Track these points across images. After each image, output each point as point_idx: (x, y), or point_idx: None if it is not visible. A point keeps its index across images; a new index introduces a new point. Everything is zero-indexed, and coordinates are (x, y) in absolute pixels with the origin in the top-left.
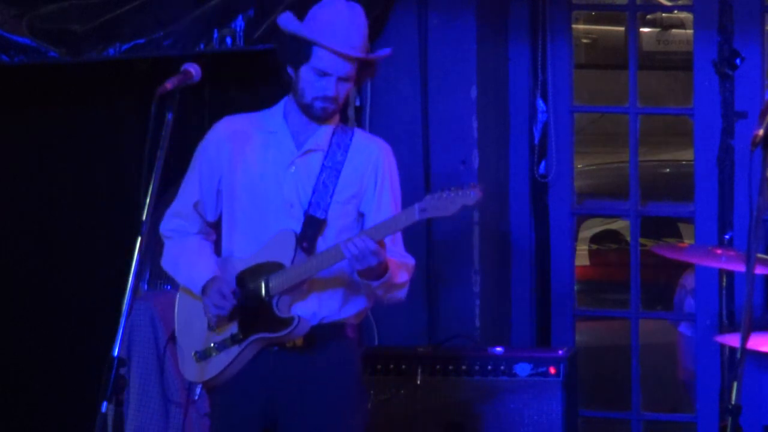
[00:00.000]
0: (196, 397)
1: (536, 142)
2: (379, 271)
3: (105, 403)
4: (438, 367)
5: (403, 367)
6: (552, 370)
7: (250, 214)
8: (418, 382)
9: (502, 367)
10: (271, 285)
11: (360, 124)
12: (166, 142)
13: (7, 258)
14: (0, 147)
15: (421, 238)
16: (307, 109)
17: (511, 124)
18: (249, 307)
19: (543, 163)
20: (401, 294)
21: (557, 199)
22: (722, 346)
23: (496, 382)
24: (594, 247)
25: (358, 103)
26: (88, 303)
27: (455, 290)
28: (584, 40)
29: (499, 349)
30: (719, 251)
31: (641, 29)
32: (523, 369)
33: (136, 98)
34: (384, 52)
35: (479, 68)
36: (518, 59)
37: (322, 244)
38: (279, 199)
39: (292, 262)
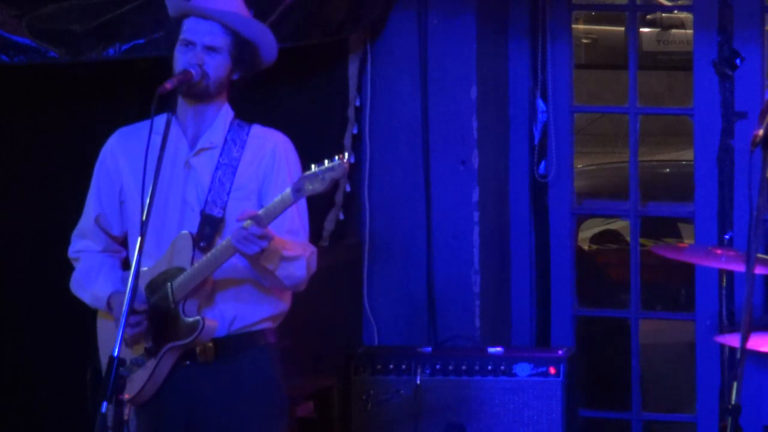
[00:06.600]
0: (125, 417)
1: (536, 142)
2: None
3: (105, 403)
4: (438, 367)
5: (403, 367)
6: (552, 370)
7: (151, 221)
8: (418, 382)
9: (502, 367)
10: (175, 290)
11: (360, 124)
12: (166, 142)
13: (7, 258)
14: (0, 147)
15: (421, 238)
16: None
17: (511, 124)
18: (159, 317)
19: (543, 163)
20: (299, 272)
21: (557, 199)
22: (722, 346)
23: (496, 382)
24: (594, 247)
25: (358, 103)
26: None
27: (455, 290)
28: (584, 40)
29: (499, 349)
30: (719, 251)
31: (641, 29)
32: (523, 369)
33: (136, 98)
34: (259, 27)
35: (479, 68)
36: (518, 59)
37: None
38: (177, 201)
39: (191, 263)
